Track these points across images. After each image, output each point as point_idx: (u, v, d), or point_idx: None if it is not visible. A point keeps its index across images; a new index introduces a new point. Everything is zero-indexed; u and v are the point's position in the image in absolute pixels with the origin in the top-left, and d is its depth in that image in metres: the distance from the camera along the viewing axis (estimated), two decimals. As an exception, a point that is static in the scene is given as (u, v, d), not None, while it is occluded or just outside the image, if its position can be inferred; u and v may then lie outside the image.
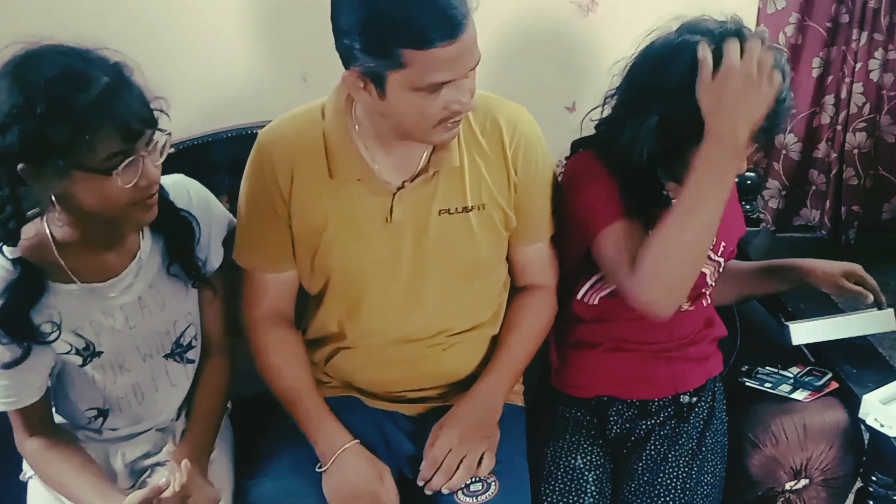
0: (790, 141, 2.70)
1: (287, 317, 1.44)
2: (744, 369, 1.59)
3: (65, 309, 1.25)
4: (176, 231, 1.32)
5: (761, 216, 2.48)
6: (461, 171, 1.34)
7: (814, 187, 2.79)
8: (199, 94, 1.94)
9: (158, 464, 1.39)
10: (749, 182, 1.84)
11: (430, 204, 1.33)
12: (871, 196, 2.81)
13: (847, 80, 2.58)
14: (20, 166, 1.10)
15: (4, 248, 1.19)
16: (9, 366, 1.23)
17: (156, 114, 1.16)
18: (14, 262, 1.20)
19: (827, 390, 1.50)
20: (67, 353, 1.28)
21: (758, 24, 2.41)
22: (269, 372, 1.42)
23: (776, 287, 1.63)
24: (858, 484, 1.50)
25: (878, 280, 1.56)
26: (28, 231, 1.21)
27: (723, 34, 1.25)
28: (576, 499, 1.40)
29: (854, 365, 1.51)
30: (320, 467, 1.34)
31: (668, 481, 1.43)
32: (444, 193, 1.34)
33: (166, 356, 1.38)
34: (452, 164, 1.32)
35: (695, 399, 1.52)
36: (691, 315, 1.50)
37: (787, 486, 1.47)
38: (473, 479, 1.34)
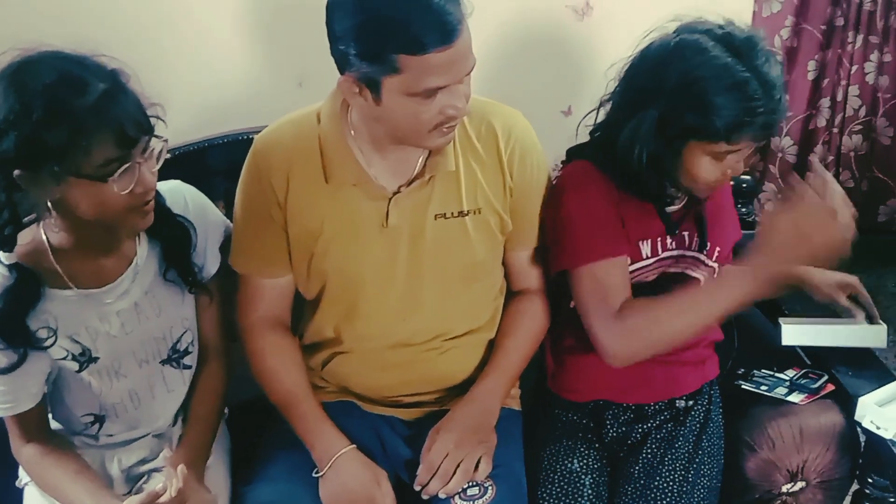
0: (786, 144, 2.70)
1: (283, 322, 1.44)
2: (740, 372, 1.59)
3: (61, 315, 1.25)
4: (172, 237, 1.33)
5: (757, 219, 2.48)
6: (457, 175, 1.34)
7: (810, 190, 2.79)
8: (195, 100, 1.94)
9: (155, 469, 1.39)
10: (745, 185, 1.84)
11: (426, 208, 1.34)
12: (867, 199, 2.81)
13: (843, 83, 2.58)
14: (16, 172, 1.10)
15: (0, 253, 1.19)
16: (5, 371, 1.23)
17: (152, 120, 1.17)
18: (10, 267, 1.20)
19: (823, 393, 1.50)
20: (64, 358, 1.28)
21: (753, 26, 2.41)
22: (265, 377, 1.42)
23: (772, 293, 1.63)
24: (855, 486, 1.50)
25: (875, 282, 1.56)
26: (24, 237, 1.21)
27: (722, 37, 1.26)
28: (572, 502, 1.40)
29: (850, 367, 1.51)
30: (317, 472, 1.34)
31: (665, 484, 1.43)
32: (440, 198, 1.34)
33: (163, 362, 1.38)
34: (448, 169, 1.33)
35: (691, 402, 1.53)
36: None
37: (784, 489, 1.47)
38: (470, 484, 1.34)
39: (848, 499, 1.52)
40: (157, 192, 1.23)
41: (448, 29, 1.13)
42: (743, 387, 1.56)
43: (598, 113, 1.43)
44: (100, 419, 1.37)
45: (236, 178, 1.38)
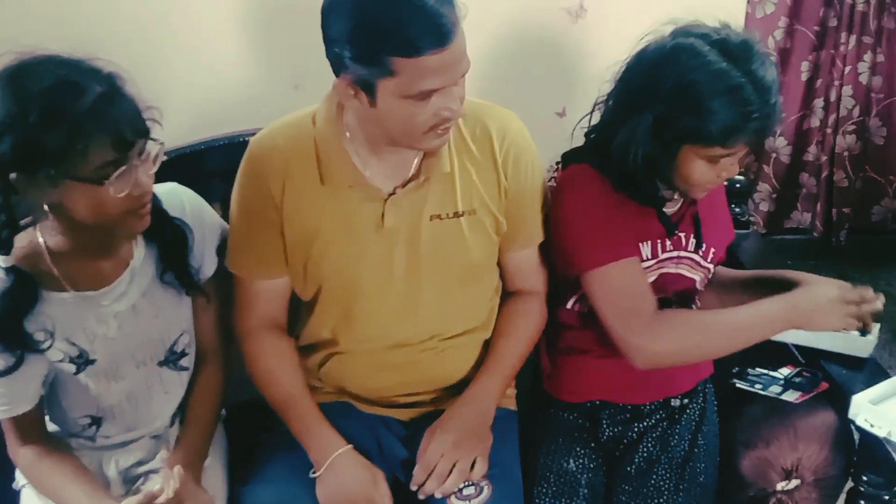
0: (780, 144, 2.72)
1: (280, 323, 1.45)
2: (734, 371, 1.60)
3: (58, 317, 1.26)
4: (169, 239, 1.33)
5: (751, 219, 2.49)
6: (452, 176, 1.34)
7: (804, 190, 2.80)
8: (191, 102, 1.94)
9: (152, 471, 1.39)
10: (738, 186, 1.84)
11: (422, 210, 1.34)
12: (861, 198, 2.82)
13: (836, 83, 2.60)
14: (13, 175, 1.10)
15: (-2, 257, 1.20)
16: (2, 374, 1.23)
17: (149, 123, 1.17)
18: (7, 270, 1.20)
19: (817, 391, 1.50)
20: (61, 361, 1.28)
21: (746, 28, 2.42)
22: (261, 378, 1.42)
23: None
24: (849, 484, 1.50)
25: (869, 282, 1.56)
26: (21, 240, 1.21)
27: (718, 41, 1.26)
28: (568, 502, 1.41)
29: (844, 366, 1.52)
30: (314, 473, 1.35)
31: (661, 483, 1.44)
32: (435, 199, 1.34)
33: (160, 364, 1.38)
34: (443, 171, 1.33)
35: (686, 401, 1.53)
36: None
37: (779, 487, 1.47)
38: (466, 484, 1.34)
39: (843, 497, 1.53)
40: (154, 195, 1.23)
41: (443, 32, 1.13)
42: (737, 385, 1.56)
43: (591, 116, 1.44)
44: (97, 421, 1.37)
45: (233, 181, 1.38)
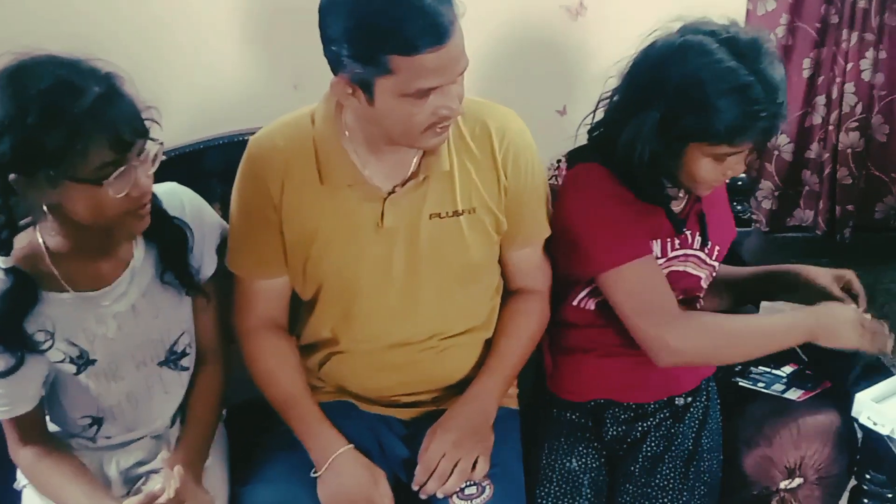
0: (782, 142, 2.71)
1: (280, 323, 1.44)
2: (737, 369, 1.60)
3: (58, 318, 1.26)
4: (169, 239, 1.33)
5: (753, 217, 2.48)
6: (451, 175, 1.34)
7: (807, 187, 2.79)
8: (191, 101, 1.95)
9: (153, 471, 1.39)
10: (740, 183, 1.84)
11: (421, 208, 1.34)
12: (864, 196, 2.82)
13: (838, 80, 2.59)
14: (11, 176, 1.10)
15: (-3, 257, 1.20)
16: (2, 375, 1.23)
17: (147, 123, 1.17)
18: (7, 271, 1.20)
19: (820, 389, 1.50)
20: (61, 361, 1.28)
21: (747, 25, 2.42)
22: (262, 378, 1.42)
23: (771, 292, 1.63)
24: (853, 482, 1.50)
25: (872, 279, 1.57)
26: (21, 240, 1.21)
27: (727, 39, 1.26)
28: (571, 501, 1.41)
29: (846, 363, 1.52)
30: (315, 473, 1.35)
31: (664, 482, 1.44)
32: (434, 198, 1.34)
33: (160, 364, 1.38)
34: (442, 169, 1.33)
35: (689, 400, 1.53)
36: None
37: (782, 486, 1.47)
38: (468, 483, 1.34)
39: (846, 495, 1.53)
40: (154, 195, 1.23)
41: (440, 30, 1.13)
42: (740, 383, 1.56)
43: (594, 113, 1.43)
44: (97, 421, 1.37)
45: (232, 180, 1.38)
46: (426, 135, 1.23)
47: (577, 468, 1.44)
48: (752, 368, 1.58)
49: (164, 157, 1.21)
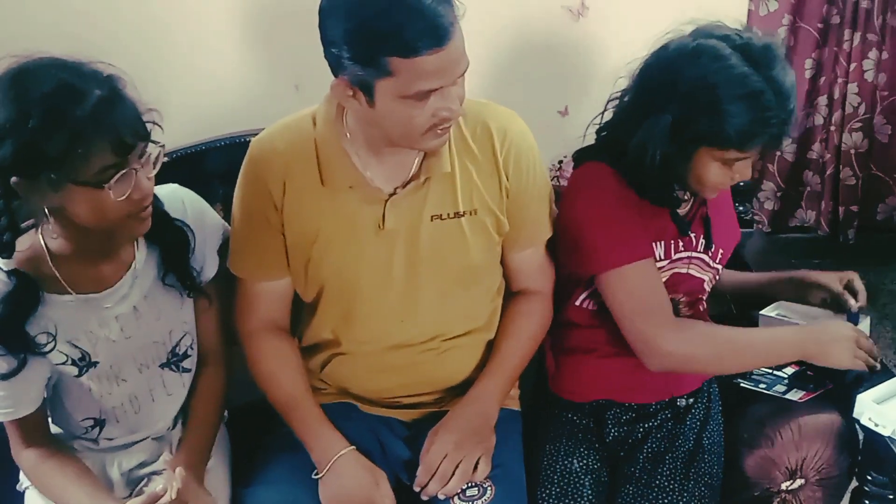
0: (784, 142, 2.70)
1: (281, 325, 1.45)
2: (738, 370, 1.59)
3: (60, 320, 1.26)
4: (171, 241, 1.33)
5: (755, 218, 2.48)
6: (452, 176, 1.34)
7: (809, 188, 2.79)
8: (192, 103, 1.95)
9: (155, 472, 1.40)
10: (742, 184, 1.82)
11: (422, 210, 1.34)
12: (866, 196, 2.81)
13: (840, 80, 2.58)
14: (13, 179, 1.11)
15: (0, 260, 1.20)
16: (5, 377, 1.23)
17: (149, 126, 1.17)
18: (9, 273, 1.20)
19: (821, 390, 1.50)
20: (63, 363, 1.29)
21: (749, 25, 2.41)
22: (264, 380, 1.43)
23: (777, 296, 1.63)
24: (854, 483, 1.50)
25: (874, 280, 1.56)
26: (23, 243, 1.21)
27: (741, 45, 1.26)
28: (572, 502, 1.41)
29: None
30: (317, 474, 1.35)
31: (666, 483, 1.44)
32: (435, 199, 1.34)
33: (162, 366, 1.38)
34: (443, 170, 1.33)
35: (691, 401, 1.53)
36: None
37: (784, 487, 1.47)
38: (469, 485, 1.34)
39: (847, 496, 1.53)
40: (155, 197, 1.23)
41: (440, 32, 1.13)
42: (742, 384, 1.56)
43: (603, 114, 1.43)
44: (100, 423, 1.37)
45: (234, 182, 1.38)
46: (427, 136, 1.23)
47: (578, 469, 1.44)
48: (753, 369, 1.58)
49: (165, 159, 1.21)
